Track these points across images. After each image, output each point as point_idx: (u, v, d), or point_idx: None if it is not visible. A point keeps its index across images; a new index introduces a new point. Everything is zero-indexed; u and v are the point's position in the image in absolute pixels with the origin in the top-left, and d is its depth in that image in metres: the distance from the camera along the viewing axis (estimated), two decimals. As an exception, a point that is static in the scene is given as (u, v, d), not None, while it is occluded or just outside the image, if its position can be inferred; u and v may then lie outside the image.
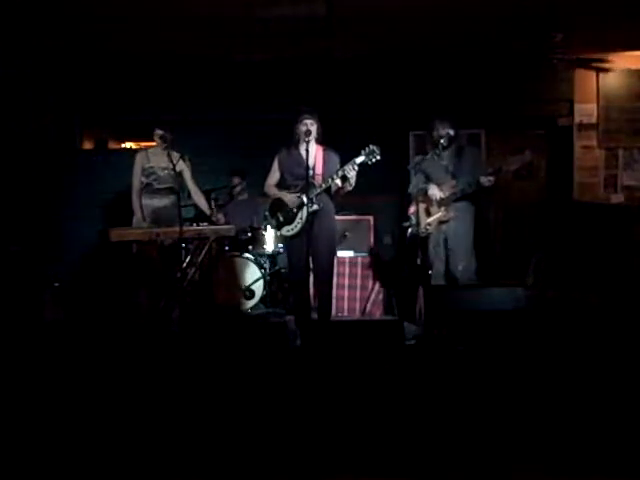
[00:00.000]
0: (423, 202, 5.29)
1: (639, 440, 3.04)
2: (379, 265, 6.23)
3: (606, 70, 6.95)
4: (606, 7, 5.28)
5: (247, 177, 6.62)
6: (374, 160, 4.81)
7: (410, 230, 5.36)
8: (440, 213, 5.25)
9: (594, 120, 7.07)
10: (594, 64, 6.97)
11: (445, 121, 5.25)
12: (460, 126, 5.42)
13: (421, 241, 5.28)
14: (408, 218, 5.41)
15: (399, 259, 4.96)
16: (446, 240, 5.28)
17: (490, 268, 5.55)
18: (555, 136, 7.37)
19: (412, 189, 5.41)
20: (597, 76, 7.02)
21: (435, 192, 5.24)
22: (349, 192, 4.98)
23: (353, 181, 4.90)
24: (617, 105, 7.02)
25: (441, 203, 5.24)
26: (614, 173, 7.10)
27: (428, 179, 5.33)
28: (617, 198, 7.01)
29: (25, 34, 5.82)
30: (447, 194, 5.22)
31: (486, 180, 5.09)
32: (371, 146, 4.81)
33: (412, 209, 5.38)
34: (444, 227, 5.27)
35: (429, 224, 5.28)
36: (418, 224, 5.24)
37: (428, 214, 5.31)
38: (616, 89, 7.01)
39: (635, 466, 2.84)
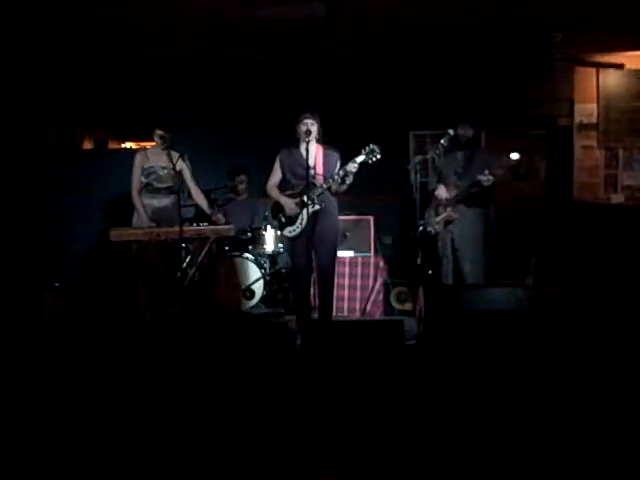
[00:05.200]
0: (433, 201, 5.43)
1: (639, 439, 3.04)
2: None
3: (613, 66, 6.90)
4: (606, 7, 5.28)
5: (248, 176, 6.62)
6: (374, 159, 4.82)
7: (420, 228, 5.44)
8: (445, 213, 5.35)
9: (594, 120, 7.06)
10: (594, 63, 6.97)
11: (466, 123, 5.31)
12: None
13: (430, 239, 5.40)
14: (424, 217, 5.49)
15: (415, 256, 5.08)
16: (453, 240, 5.37)
17: (490, 268, 5.55)
18: (555, 136, 7.36)
19: (429, 186, 5.53)
20: (597, 76, 7.01)
21: (441, 192, 5.36)
22: (346, 191, 4.99)
23: (349, 180, 4.90)
24: (617, 105, 7.01)
25: (447, 203, 5.34)
26: (614, 173, 7.09)
27: (440, 178, 5.43)
28: (617, 198, 7.01)
29: (25, 34, 5.82)
30: (452, 194, 5.31)
31: (485, 179, 5.08)
32: (371, 145, 4.82)
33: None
34: (451, 227, 5.36)
35: (437, 223, 5.38)
36: (428, 223, 5.39)
37: (437, 214, 5.40)
38: (616, 89, 6.99)
39: (635, 466, 2.84)
